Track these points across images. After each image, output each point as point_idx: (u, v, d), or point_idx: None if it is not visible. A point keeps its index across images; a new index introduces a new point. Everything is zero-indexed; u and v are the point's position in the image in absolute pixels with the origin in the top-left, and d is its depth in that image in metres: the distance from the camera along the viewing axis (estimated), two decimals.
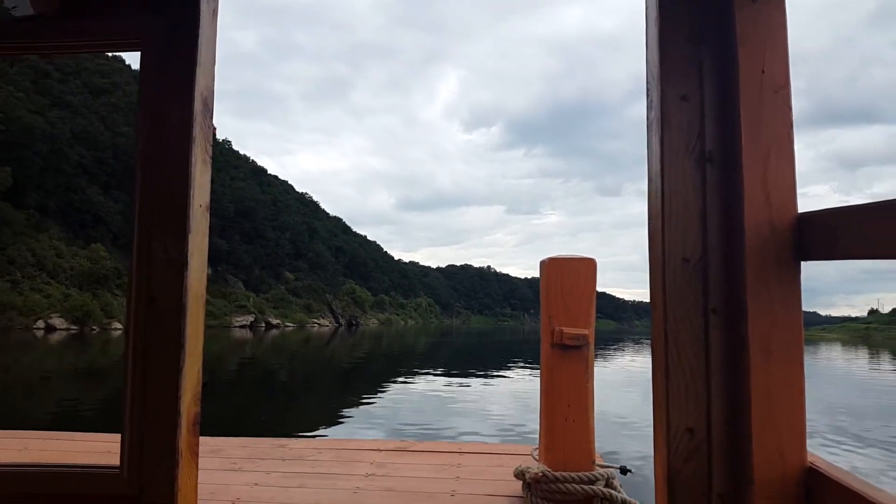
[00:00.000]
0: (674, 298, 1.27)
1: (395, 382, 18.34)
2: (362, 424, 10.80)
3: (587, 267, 2.33)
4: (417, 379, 19.35)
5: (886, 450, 9.88)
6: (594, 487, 2.13)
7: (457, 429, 10.24)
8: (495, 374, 21.98)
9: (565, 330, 2.26)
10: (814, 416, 13.93)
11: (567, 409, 2.26)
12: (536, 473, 2.20)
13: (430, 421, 11.08)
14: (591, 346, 2.30)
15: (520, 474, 2.36)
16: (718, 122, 1.27)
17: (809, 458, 1.17)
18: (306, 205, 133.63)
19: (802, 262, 1.20)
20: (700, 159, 1.28)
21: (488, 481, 2.75)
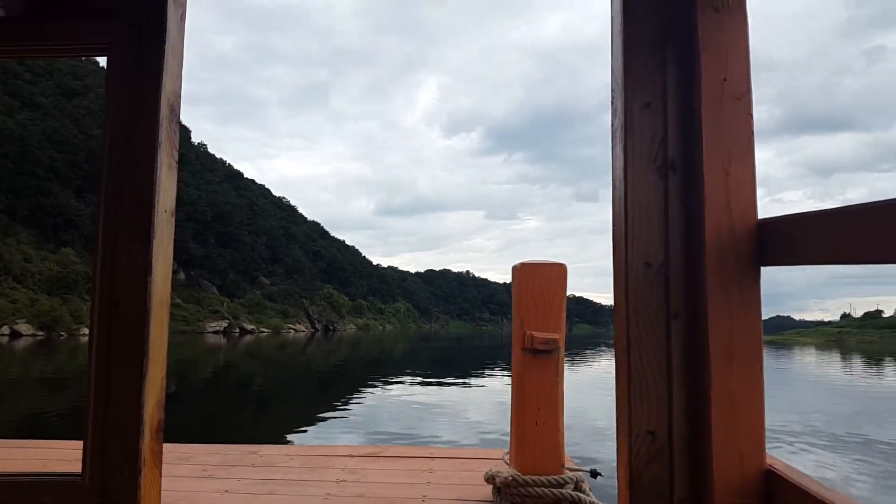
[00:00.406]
0: (636, 303, 1.28)
1: (372, 388, 18.24)
2: (339, 430, 10.73)
3: (558, 272, 2.35)
4: (395, 384, 19.30)
5: (855, 453, 10.06)
6: (563, 491, 2.15)
7: (435, 434, 10.22)
8: (474, 378, 21.98)
9: (536, 334, 2.27)
10: (791, 418, 14.17)
11: (537, 413, 2.28)
12: (506, 477, 2.21)
13: (409, 426, 11.05)
14: (562, 351, 2.32)
15: (490, 478, 2.36)
16: (681, 130, 1.29)
17: (768, 461, 1.19)
18: (284, 209, 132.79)
19: (763, 268, 1.22)
20: (663, 167, 1.29)
21: (459, 486, 2.75)
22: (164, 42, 1.48)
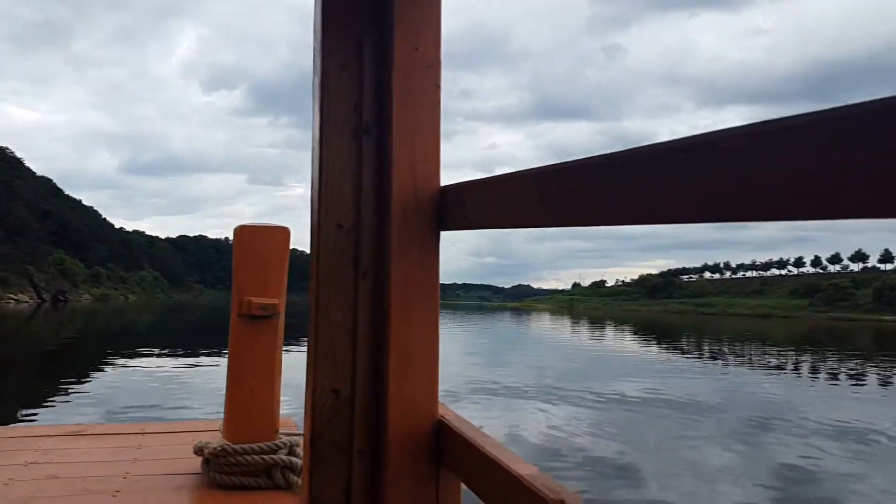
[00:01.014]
0: (327, 263, 1.29)
1: (112, 364, 16.57)
2: (71, 411, 9.61)
3: (280, 235, 2.29)
4: (141, 359, 17.69)
5: (579, 404, 11.51)
6: (275, 457, 2.12)
7: (186, 409, 9.61)
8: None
9: (254, 300, 2.20)
10: (527, 375, 15.71)
11: (252, 380, 2.22)
12: (215, 448, 2.12)
13: (158, 402, 10.28)
14: (282, 317, 2.28)
15: (199, 450, 2.26)
16: (375, 94, 1.30)
17: (441, 412, 1.27)
18: (6, 161, 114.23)
19: (442, 232, 1.29)
20: (357, 129, 1.30)
21: (168, 460, 2.59)
22: None
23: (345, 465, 1.27)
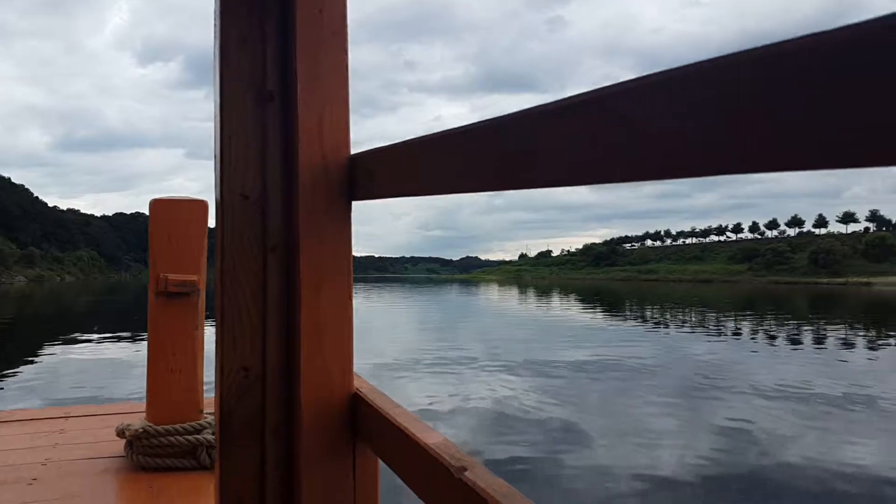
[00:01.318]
0: (233, 236, 1.24)
1: (48, 348, 15.98)
2: (2, 399, 9.25)
3: (197, 209, 2.20)
4: (80, 343, 17.11)
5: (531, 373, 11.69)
6: (199, 437, 2.07)
7: (127, 393, 9.35)
8: None
9: (171, 276, 2.12)
10: (475, 345, 15.87)
11: (172, 360, 2.14)
12: (137, 430, 2.05)
13: (100, 386, 9.99)
14: (203, 293, 2.20)
15: (120, 432, 2.18)
16: (281, 60, 1.25)
17: (356, 384, 1.24)
18: None
19: (354, 203, 1.24)
20: (261, 97, 1.24)
21: (91, 444, 2.50)
22: None
23: (257, 444, 1.23)
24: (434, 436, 0.97)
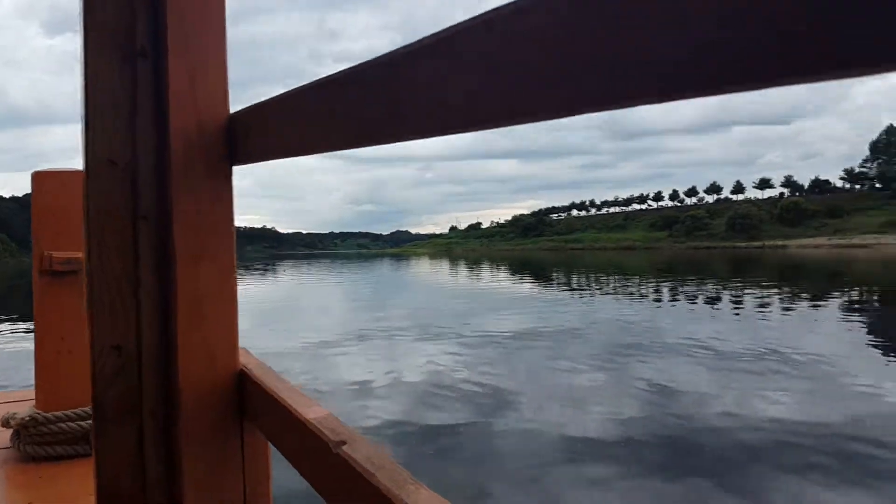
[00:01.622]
0: (100, 204, 1.14)
1: None
2: None
3: (82, 180, 2.05)
4: None
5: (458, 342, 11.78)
6: (91, 422, 1.95)
7: (25, 381, 8.88)
8: None
9: (55, 254, 1.97)
10: (406, 318, 15.85)
11: (61, 343, 2.01)
12: (23, 418, 1.92)
13: (15, 379, 9.45)
14: None
15: (5, 422, 2.04)
16: (152, 14, 1.14)
17: (243, 361, 1.18)
18: None
19: (236, 167, 1.17)
20: (130, 54, 1.14)
21: None
22: None
23: (135, 426, 1.16)
24: (316, 410, 0.92)
